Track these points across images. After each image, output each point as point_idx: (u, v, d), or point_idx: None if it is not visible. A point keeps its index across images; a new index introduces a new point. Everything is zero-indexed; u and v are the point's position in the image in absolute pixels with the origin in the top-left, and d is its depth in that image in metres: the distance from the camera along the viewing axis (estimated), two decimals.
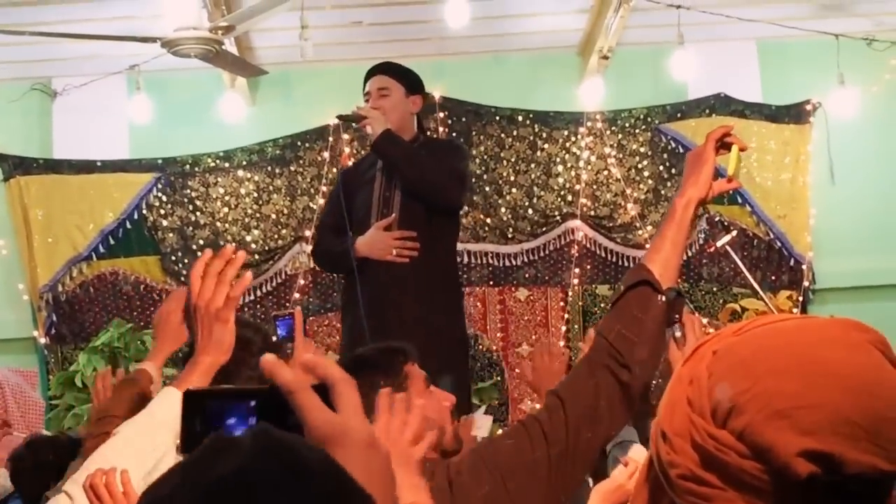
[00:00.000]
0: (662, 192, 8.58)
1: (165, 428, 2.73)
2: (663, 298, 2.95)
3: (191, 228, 8.57)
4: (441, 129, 8.48)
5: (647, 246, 3.13)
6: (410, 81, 6.23)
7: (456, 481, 2.78)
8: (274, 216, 8.60)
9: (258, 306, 8.38)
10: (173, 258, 8.53)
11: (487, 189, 8.58)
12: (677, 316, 2.99)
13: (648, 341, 2.93)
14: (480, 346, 8.45)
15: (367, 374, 3.32)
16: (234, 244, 8.40)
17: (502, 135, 8.69)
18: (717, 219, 8.64)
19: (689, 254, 8.51)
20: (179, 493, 1.16)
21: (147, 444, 2.72)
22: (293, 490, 1.15)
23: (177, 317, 4.15)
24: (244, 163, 8.64)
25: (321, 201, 8.35)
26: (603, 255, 8.64)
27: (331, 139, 8.34)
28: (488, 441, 2.86)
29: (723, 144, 3.18)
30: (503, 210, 8.58)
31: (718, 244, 7.50)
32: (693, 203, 3.05)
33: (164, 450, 2.72)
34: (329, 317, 8.41)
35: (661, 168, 8.65)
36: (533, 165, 8.67)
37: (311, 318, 8.47)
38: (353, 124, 6.60)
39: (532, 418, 2.84)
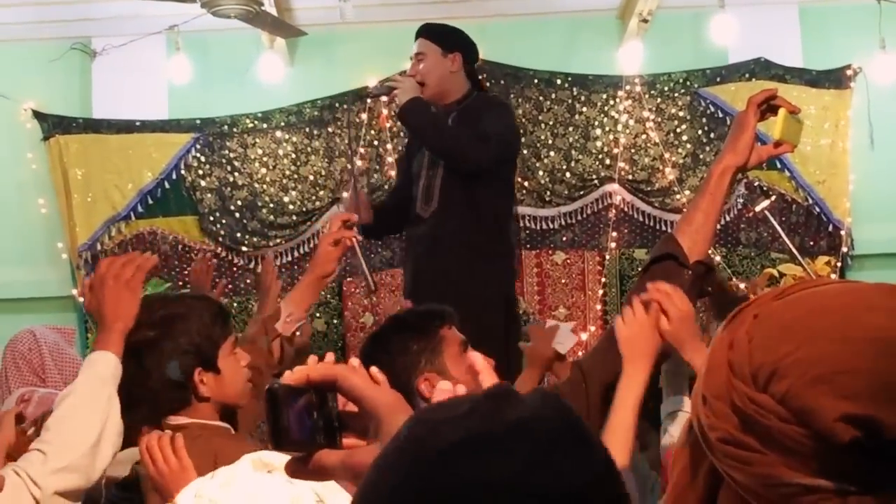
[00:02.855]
0: (701, 156, 8.55)
1: (109, 384, 3.07)
2: (689, 273, 2.95)
3: (229, 189, 8.59)
4: None
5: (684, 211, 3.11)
6: (446, 40, 6.20)
7: None
8: (312, 177, 8.61)
9: (295, 268, 8.40)
10: (211, 218, 8.57)
11: (525, 152, 8.56)
12: (709, 288, 3.00)
13: None
14: (517, 309, 8.45)
15: (401, 336, 3.34)
16: (271, 205, 8.45)
17: (541, 98, 8.67)
18: (755, 184, 8.60)
19: (728, 218, 8.48)
20: (463, 426, 1.19)
21: (100, 400, 3.03)
22: (575, 450, 1.19)
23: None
24: (282, 124, 8.66)
25: (359, 163, 8.39)
26: (641, 219, 8.62)
27: (369, 101, 8.33)
28: None
29: (769, 108, 3.13)
30: (541, 173, 8.56)
31: (757, 209, 7.52)
32: (730, 171, 3.04)
33: (111, 404, 3.05)
34: None
35: (700, 132, 8.62)
36: (571, 129, 8.65)
37: (347, 280, 8.51)
38: (384, 97, 6.57)
39: (556, 388, 2.86)
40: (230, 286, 8.52)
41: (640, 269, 8.33)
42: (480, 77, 6.68)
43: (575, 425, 1.23)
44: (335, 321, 8.46)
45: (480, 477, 1.14)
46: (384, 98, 7.82)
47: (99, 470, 2.99)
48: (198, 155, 8.62)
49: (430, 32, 6.24)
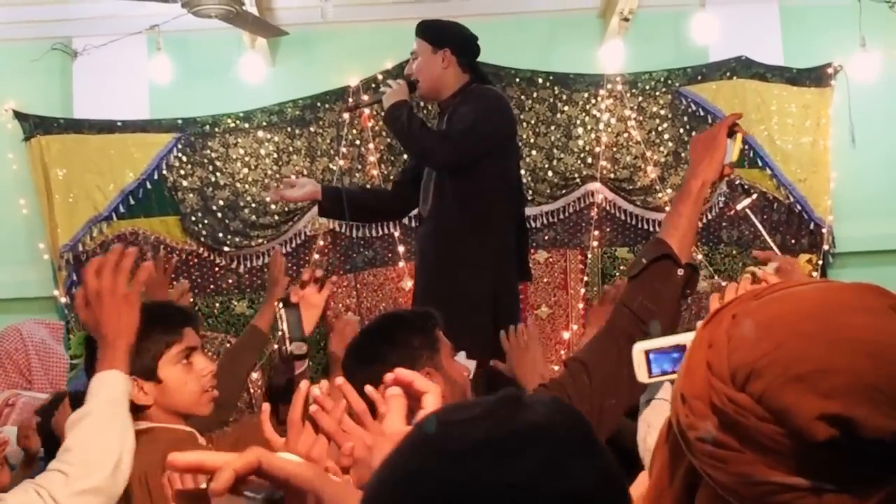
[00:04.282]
0: (683, 155, 8.55)
1: (122, 403, 3.03)
2: (681, 272, 3.04)
3: (211, 189, 8.57)
4: None
5: (664, 218, 3.26)
6: (436, 36, 6.19)
7: None
8: (294, 177, 8.59)
9: None
10: (193, 218, 8.54)
11: None
12: (688, 291, 3.11)
13: (667, 312, 3.07)
14: (515, 307, 8.43)
15: (404, 332, 3.37)
16: (253, 205, 8.44)
17: (522, 97, 8.67)
18: (737, 182, 8.61)
19: (709, 216, 8.50)
20: (480, 429, 1.22)
21: (116, 421, 3.00)
22: (585, 454, 1.22)
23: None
24: (264, 123, 8.64)
25: (341, 162, 8.40)
26: (623, 217, 8.62)
27: (350, 100, 8.33)
28: None
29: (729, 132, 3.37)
30: (522, 172, 8.53)
31: (738, 207, 7.55)
32: (707, 184, 3.27)
33: (126, 424, 3.03)
34: (349, 277, 8.43)
35: (682, 131, 8.62)
36: (553, 128, 8.65)
37: (332, 279, 8.49)
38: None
39: (557, 382, 2.95)
40: (212, 286, 8.52)
41: (622, 267, 8.40)
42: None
43: (585, 430, 1.25)
44: (317, 321, 8.44)
45: (496, 478, 1.16)
46: (366, 97, 7.83)
47: (120, 491, 2.98)
48: (179, 155, 8.60)
49: (421, 30, 6.24)
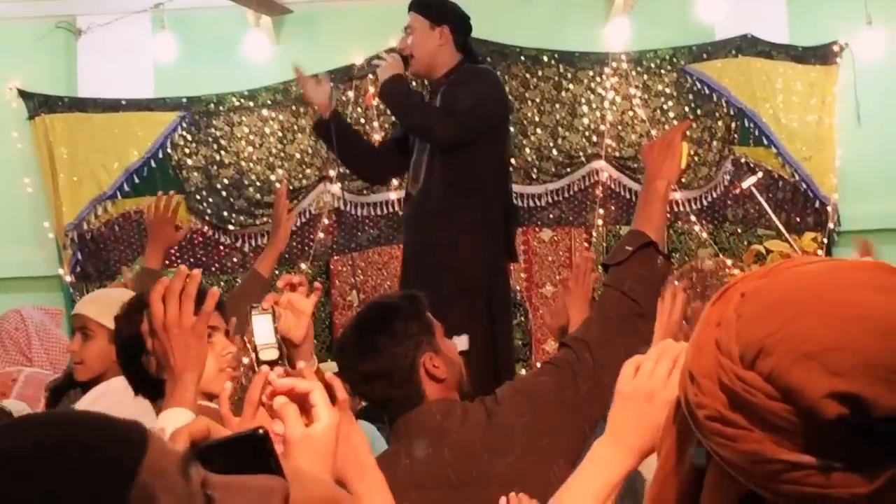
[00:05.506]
0: (687, 133, 8.53)
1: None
2: (661, 260, 3.33)
3: (215, 168, 8.58)
4: None
5: (636, 214, 3.47)
6: (434, 13, 6.14)
7: (495, 411, 3.16)
8: (298, 155, 8.60)
9: None
10: (198, 197, 8.55)
11: (512, 129, 8.55)
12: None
13: (652, 296, 3.33)
14: (506, 286, 8.44)
15: (401, 321, 3.36)
16: (258, 183, 8.44)
17: (527, 75, 8.66)
18: (742, 160, 8.61)
19: (714, 195, 8.51)
20: None
21: None
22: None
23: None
24: (268, 102, 8.64)
25: None
26: (627, 196, 8.61)
27: (356, 82, 8.32)
28: (525, 377, 3.21)
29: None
30: (527, 150, 8.55)
31: (744, 185, 7.54)
32: (671, 184, 3.55)
33: None
34: (353, 256, 8.43)
35: (687, 109, 8.61)
36: (557, 106, 8.64)
37: (335, 258, 8.51)
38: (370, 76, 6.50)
39: (563, 360, 3.12)
40: (217, 265, 8.52)
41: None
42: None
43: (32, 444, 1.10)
44: (322, 299, 8.44)
45: None
46: (371, 76, 7.83)
47: None
48: (184, 133, 8.61)
49: (419, 5, 6.19)
